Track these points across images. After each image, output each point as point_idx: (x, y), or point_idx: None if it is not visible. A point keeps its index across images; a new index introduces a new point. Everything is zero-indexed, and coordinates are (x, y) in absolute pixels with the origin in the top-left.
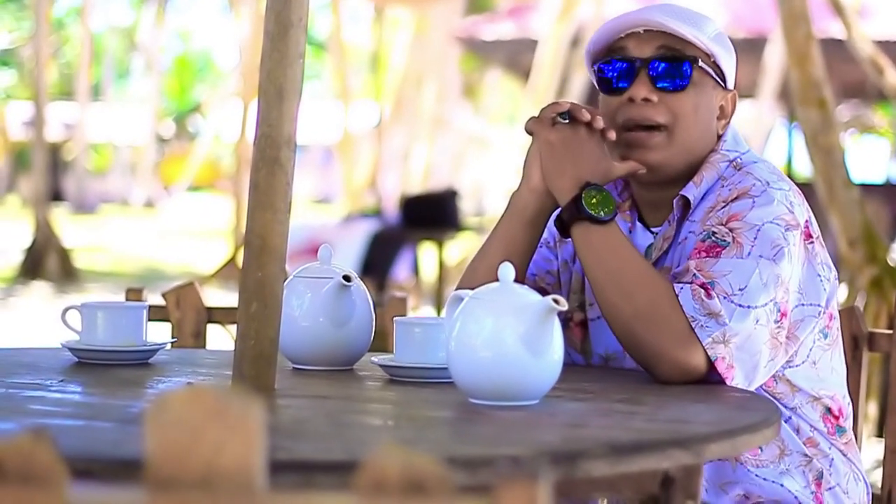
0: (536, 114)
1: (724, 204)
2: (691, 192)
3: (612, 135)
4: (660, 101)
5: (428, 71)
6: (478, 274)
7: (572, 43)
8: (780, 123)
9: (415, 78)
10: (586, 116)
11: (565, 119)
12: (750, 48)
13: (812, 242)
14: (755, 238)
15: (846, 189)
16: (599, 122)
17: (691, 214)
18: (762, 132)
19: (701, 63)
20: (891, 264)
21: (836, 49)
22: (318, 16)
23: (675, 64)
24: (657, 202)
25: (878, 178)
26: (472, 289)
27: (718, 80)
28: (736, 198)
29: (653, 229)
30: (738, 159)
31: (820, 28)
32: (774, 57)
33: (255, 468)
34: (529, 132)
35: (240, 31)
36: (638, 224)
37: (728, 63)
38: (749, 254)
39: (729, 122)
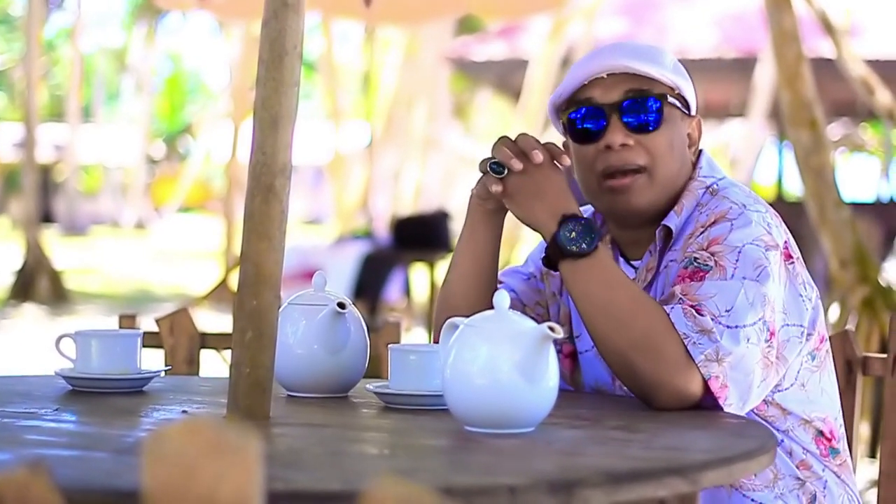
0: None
1: (702, 229)
2: (673, 221)
3: (566, 160)
4: (636, 143)
5: (419, 91)
6: (451, 285)
7: (563, 63)
8: (770, 143)
9: (406, 98)
10: (517, 166)
11: (501, 172)
12: (740, 68)
13: (792, 263)
14: (737, 260)
15: (837, 209)
16: (538, 157)
17: (673, 244)
18: (752, 152)
19: (669, 98)
20: (882, 284)
21: (827, 68)
22: (309, 36)
23: (645, 105)
24: (637, 238)
25: (868, 197)
26: (450, 301)
27: (684, 110)
28: (714, 222)
29: (633, 263)
30: (715, 185)
31: (810, 47)
32: (765, 76)
33: (253, 501)
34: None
35: (230, 52)
36: (620, 259)
37: (689, 91)
38: (732, 276)
39: (698, 148)
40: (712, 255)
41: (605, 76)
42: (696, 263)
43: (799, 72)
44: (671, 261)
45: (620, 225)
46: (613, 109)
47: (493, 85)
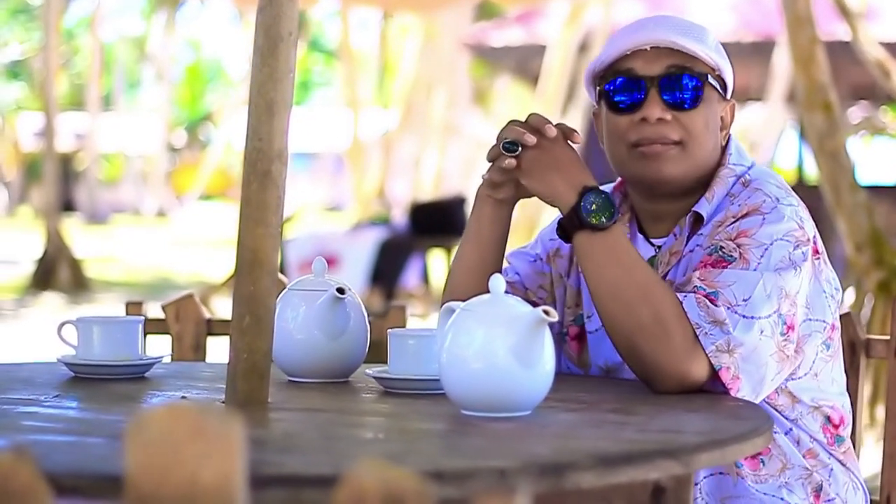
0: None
1: (733, 219)
2: (704, 208)
3: (578, 138)
4: (673, 119)
5: (437, 78)
6: (456, 277)
7: (581, 48)
8: (790, 126)
9: (424, 85)
10: (531, 140)
11: (515, 150)
12: (758, 51)
13: (818, 258)
14: (762, 256)
15: (853, 193)
16: (552, 131)
17: (701, 229)
18: (772, 136)
19: (709, 78)
20: None
21: (845, 51)
22: (328, 24)
23: (686, 82)
24: (660, 214)
25: (888, 180)
26: (454, 294)
27: (721, 92)
28: (746, 214)
29: (653, 241)
30: (746, 175)
31: (826, 30)
32: (783, 60)
33: (235, 484)
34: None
35: (249, 39)
36: (639, 235)
37: (728, 74)
38: (755, 268)
39: (728, 132)
40: (738, 246)
41: (648, 48)
42: (720, 252)
43: (813, 55)
44: (697, 245)
45: (646, 196)
46: (653, 83)
47: (511, 70)
